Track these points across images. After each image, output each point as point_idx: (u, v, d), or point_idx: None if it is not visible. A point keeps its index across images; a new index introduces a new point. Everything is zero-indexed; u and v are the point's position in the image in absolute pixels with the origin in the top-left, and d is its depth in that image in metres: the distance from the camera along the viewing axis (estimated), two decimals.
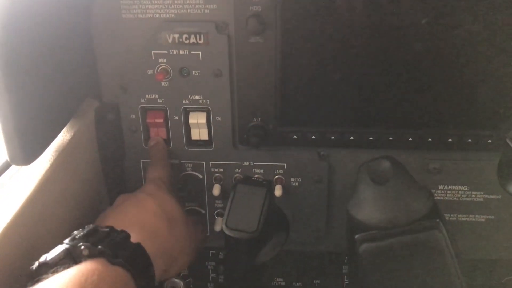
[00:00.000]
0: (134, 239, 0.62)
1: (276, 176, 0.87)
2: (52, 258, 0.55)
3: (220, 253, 0.95)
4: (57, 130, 0.74)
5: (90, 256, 0.55)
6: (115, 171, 0.88)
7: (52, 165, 0.70)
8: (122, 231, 0.61)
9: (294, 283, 0.97)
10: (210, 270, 0.98)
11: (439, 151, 0.83)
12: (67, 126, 0.77)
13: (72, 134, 0.76)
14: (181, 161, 0.88)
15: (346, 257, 0.93)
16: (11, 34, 0.58)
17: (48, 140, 0.71)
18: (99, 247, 0.56)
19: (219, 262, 0.96)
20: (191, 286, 0.99)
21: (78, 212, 0.78)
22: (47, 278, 0.52)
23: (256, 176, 0.87)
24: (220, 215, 0.91)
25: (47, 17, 0.67)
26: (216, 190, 0.88)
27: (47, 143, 0.71)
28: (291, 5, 0.74)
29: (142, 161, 0.88)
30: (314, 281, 0.96)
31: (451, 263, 0.60)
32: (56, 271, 0.53)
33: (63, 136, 0.75)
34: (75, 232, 0.59)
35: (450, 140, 0.81)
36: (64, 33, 0.73)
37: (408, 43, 0.76)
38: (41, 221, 0.67)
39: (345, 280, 0.96)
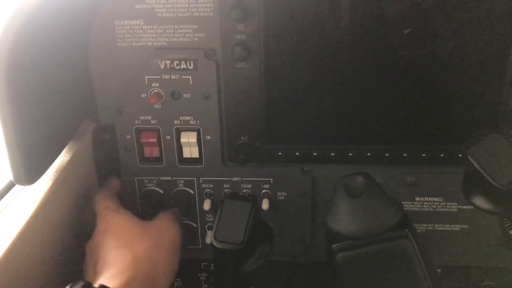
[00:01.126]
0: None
1: (263, 191, 0.92)
2: None
3: (212, 264, 1.00)
4: (57, 151, 0.79)
5: None
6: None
7: (53, 184, 0.75)
8: None
9: None
10: (203, 281, 1.02)
11: (415, 165, 0.88)
12: (66, 147, 0.82)
13: (71, 154, 0.81)
14: (174, 178, 0.93)
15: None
16: (15, 62, 0.63)
17: (49, 161, 0.76)
18: None
19: (211, 273, 1.00)
20: None
21: (78, 227, 0.83)
22: None
23: (244, 191, 0.92)
24: (211, 228, 0.95)
25: (49, 46, 0.71)
26: (207, 205, 0.93)
27: (48, 163, 0.75)
28: (274, 33, 0.81)
29: (137, 178, 0.93)
30: None
31: (420, 269, 0.65)
32: None
33: (63, 157, 0.80)
34: None
35: (424, 155, 0.87)
36: (63, 61, 0.78)
37: (385, 64, 0.82)
38: (44, 237, 0.72)
39: None
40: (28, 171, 0.69)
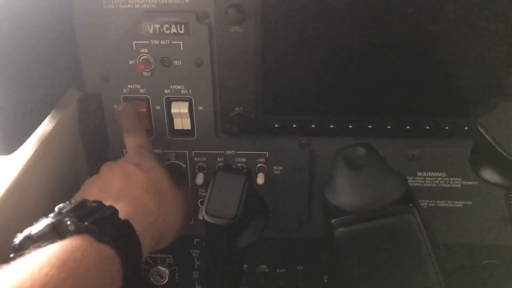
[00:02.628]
0: (122, 214, 0.59)
1: (258, 165, 0.89)
2: (36, 232, 0.52)
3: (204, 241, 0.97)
4: (39, 120, 0.75)
5: (76, 232, 0.52)
6: (98, 161, 0.89)
7: (34, 155, 0.71)
8: (110, 207, 0.59)
9: (277, 270, 0.99)
10: (195, 258, 0.99)
11: (418, 139, 0.84)
12: (49, 116, 0.78)
13: (54, 124, 0.77)
14: (164, 151, 0.89)
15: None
16: None
17: (30, 130, 0.72)
18: (86, 223, 0.53)
19: (204, 250, 0.97)
20: (176, 274, 1.00)
21: (60, 198, 0.78)
22: (30, 252, 0.50)
23: (238, 164, 0.88)
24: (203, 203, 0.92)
25: (28, 8, 0.67)
26: (200, 179, 0.89)
27: (29, 133, 0.71)
28: None
29: (125, 150, 0.89)
30: (297, 267, 0.98)
31: (424, 246, 0.62)
32: (39, 246, 0.51)
33: (45, 126, 0.76)
34: (62, 205, 0.56)
35: (427, 127, 0.83)
36: (46, 24, 0.73)
37: (387, 32, 0.77)
38: (22, 210, 0.68)
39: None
40: (6, 141, 0.65)
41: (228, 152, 0.88)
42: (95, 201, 0.59)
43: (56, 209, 0.56)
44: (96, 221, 0.55)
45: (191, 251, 0.98)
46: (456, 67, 0.78)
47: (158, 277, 1.00)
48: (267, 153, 0.88)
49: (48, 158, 0.75)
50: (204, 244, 0.97)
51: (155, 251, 0.71)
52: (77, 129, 0.85)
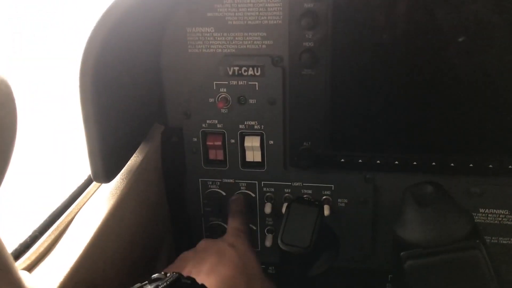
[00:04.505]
0: None
1: (324, 197, 0.93)
2: None
3: (270, 267, 1.01)
4: (131, 151, 0.83)
5: None
6: (176, 190, 0.97)
7: (127, 184, 0.79)
8: (202, 285, 0.59)
9: None
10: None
11: (480, 176, 0.87)
12: (139, 148, 0.86)
13: (143, 155, 0.85)
14: (236, 180, 0.95)
15: (389, 275, 0.97)
16: (102, 64, 0.66)
17: (124, 160, 0.80)
18: None
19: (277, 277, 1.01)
20: None
21: (147, 227, 0.86)
22: None
23: (305, 196, 0.93)
24: (270, 231, 0.97)
25: (128, 51, 0.76)
26: (268, 208, 0.94)
27: (124, 162, 0.79)
28: (341, 41, 0.81)
29: (201, 180, 0.96)
30: None
31: (491, 281, 0.65)
32: None
33: (136, 157, 0.84)
34: (157, 276, 0.57)
35: (490, 166, 0.85)
36: (138, 65, 0.82)
37: (454, 72, 0.81)
38: (119, 235, 0.75)
39: None
40: (106, 169, 0.73)
41: (295, 184, 0.94)
42: (188, 278, 0.58)
43: (152, 280, 0.56)
44: None
45: None
46: None
47: None
48: (333, 186, 0.92)
49: (138, 187, 0.82)
50: (272, 272, 1.01)
51: None
52: (160, 159, 0.93)
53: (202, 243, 0.77)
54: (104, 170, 0.72)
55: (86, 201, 0.77)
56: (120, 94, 0.75)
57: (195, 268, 0.69)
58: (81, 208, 0.76)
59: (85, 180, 0.80)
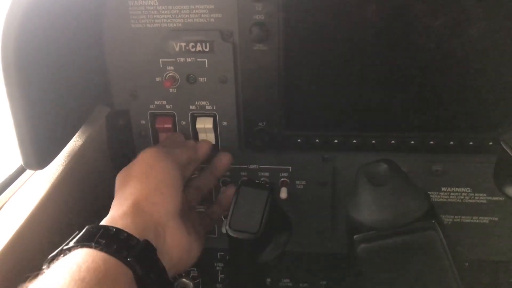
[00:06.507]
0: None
1: (282, 179, 0.89)
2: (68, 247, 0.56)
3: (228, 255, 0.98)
4: (69, 136, 0.77)
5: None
6: None
7: (64, 169, 0.74)
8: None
9: (300, 284, 0.99)
10: (219, 271, 1.00)
11: (441, 154, 0.84)
12: (79, 131, 0.80)
13: (84, 139, 0.80)
14: None
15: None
16: (25, 41, 0.61)
17: (61, 145, 0.74)
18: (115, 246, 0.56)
19: (228, 263, 0.98)
20: (200, 286, 1.01)
21: (90, 215, 0.81)
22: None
23: (262, 179, 0.89)
24: (227, 217, 0.93)
25: (61, 27, 0.70)
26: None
27: (60, 148, 0.74)
28: (293, 13, 0.77)
29: None
30: (321, 282, 0.98)
31: (447, 263, 0.62)
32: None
33: (75, 142, 0.79)
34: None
35: (451, 143, 0.82)
36: (76, 42, 0.76)
37: (412, 48, 0.77)
38: (53, 223, 0.70)
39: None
40: (39, 156, 0.67)
41: (252, 167, 0.90)
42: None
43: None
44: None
45: (215, 264, 0.99)
46: (481, 82, 0.78)
47: None
48: (290, 167, 0.89)
49: (78, 172, 0.77)
50: (227, 258, 0.97)
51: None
52: (105, 144, 0.87)
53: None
54: (36, 157, 0.67)
55: (17, 190, 0.71)
56: (53, 75, 0.69)
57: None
58: (11, 197, 0.70)
59: (18, 168, 0.74)
